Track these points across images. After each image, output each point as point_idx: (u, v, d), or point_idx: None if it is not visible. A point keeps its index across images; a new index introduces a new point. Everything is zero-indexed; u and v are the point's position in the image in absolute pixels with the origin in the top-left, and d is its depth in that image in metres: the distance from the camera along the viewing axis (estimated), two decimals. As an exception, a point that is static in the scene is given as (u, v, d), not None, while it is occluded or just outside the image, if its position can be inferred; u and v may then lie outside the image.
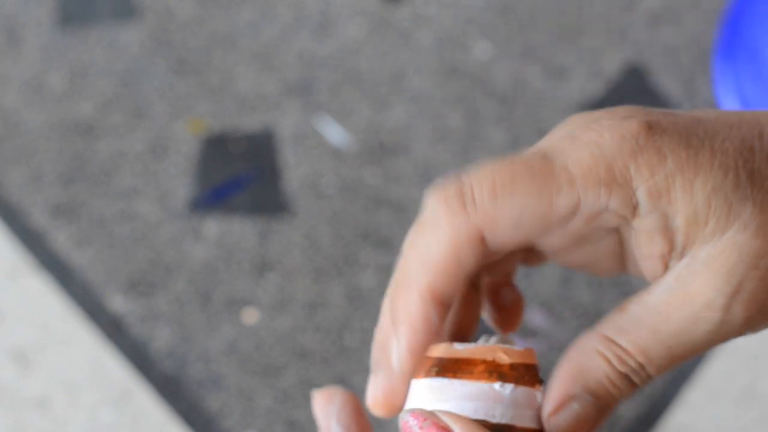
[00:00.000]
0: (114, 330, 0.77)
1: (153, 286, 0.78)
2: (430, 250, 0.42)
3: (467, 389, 0.41)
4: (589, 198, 0.41)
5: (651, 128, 0.41)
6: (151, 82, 0.83)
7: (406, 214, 0.79)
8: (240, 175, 0.81)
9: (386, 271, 0.77)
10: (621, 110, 0.42)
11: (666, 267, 0.42)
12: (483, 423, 0.41)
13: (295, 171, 0.80)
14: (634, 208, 0.41)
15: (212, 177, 0.80)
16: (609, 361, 0.42)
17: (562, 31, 0.83)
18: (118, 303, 0.77)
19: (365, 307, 0.77)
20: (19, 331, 0.77)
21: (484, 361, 0.42)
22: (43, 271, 0.78)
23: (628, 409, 0.75)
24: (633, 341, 0.42)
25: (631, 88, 0.82)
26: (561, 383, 0.43)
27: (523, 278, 0.77)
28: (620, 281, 0.77)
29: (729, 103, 0.78)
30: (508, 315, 0.48)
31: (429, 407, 0.42)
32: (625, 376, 0.42)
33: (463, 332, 0.47)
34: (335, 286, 0.77)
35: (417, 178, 0.80)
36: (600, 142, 0.41)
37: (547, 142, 0.42)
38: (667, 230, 0.42)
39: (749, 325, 0.42)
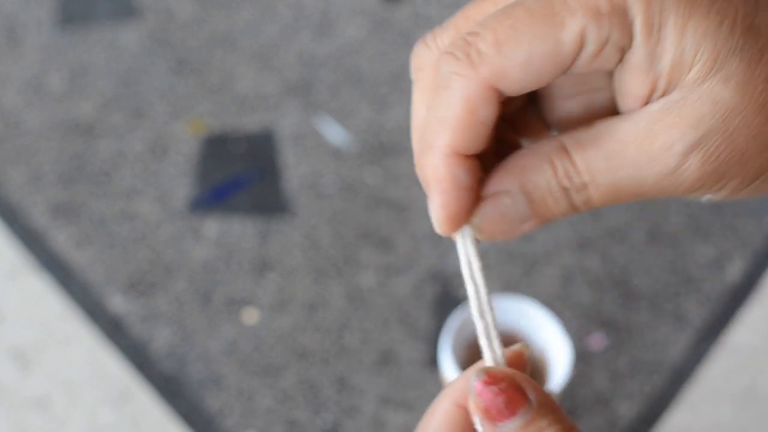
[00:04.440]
0: (114, 330, 0.77)
1: (153, 286, 0.78)
2: (446, 112, 0.42)
3: None
4: (592, 29, 0.41)
5: None
6: (151, 82, 0.83)
7: (406, 214, 0.79)
8: (240, 175, 0.81)
9: (386, 271, 0.77)
10: None
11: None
12: None
13: (295, 171, 0.80)
14: (631, 40, 0.41)
15: (212, 177, 0.80)
16: (555, 172, 0.42)
17: (562, 31, 0.83)
18: (118, 303, 0.77)
19: (365, 307, 0.77)
20: (19, 331, 0.77)
21: None
22: (43, 271, 0.78)
23: (628, 409, 0.75)
24: (585, 159, 0.42)
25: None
26: (501, 175, 0.42)
27: (523, 278, 0.77)
28: (620, 281, 0.77)
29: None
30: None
31: None
32: (566, 191, 0.42)
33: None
34: (335, 286, 0.77)
35: (417, 178, 0.80)
36: None
37: None
38: (652, 71, 0.41)
39: (701, 183, 0.41)
